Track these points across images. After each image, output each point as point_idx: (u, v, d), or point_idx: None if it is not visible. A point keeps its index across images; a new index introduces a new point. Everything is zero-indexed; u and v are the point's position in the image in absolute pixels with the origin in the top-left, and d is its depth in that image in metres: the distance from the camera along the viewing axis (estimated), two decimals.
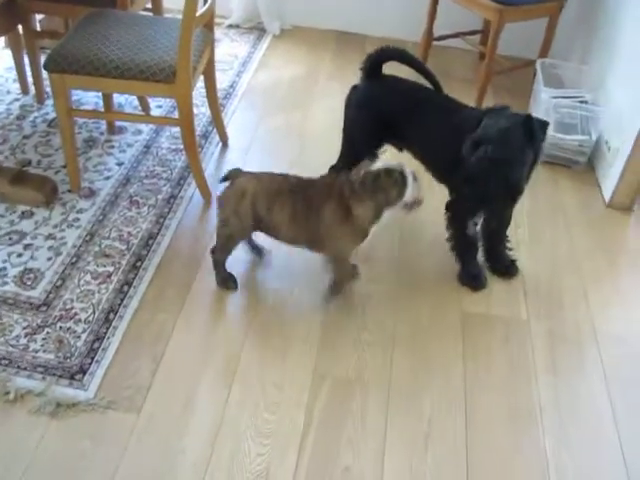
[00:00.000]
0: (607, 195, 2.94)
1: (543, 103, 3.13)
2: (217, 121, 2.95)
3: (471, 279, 2.39)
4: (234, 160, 2.91)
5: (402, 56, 2.36)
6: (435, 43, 3.73)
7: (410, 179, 1.99)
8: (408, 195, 2.00)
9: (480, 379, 2.08)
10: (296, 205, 2.08)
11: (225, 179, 2.16)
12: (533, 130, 2.04)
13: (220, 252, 2.24)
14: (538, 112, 3.13)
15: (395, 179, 1.99)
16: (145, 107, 3.14)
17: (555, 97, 3.15)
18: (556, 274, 2.50)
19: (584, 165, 3.11)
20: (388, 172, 1.99)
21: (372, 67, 2.37)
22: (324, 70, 3.71)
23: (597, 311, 2.36)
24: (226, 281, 2.30)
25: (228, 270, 2.30)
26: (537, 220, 2.76)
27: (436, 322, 2.26)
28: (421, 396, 2.01)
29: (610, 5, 3.30)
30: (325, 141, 3.06)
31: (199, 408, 1.92)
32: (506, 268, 2.47)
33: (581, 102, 3.20)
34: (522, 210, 2.73)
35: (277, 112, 3.31)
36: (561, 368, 2.15)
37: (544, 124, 2.10)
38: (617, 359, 2.20)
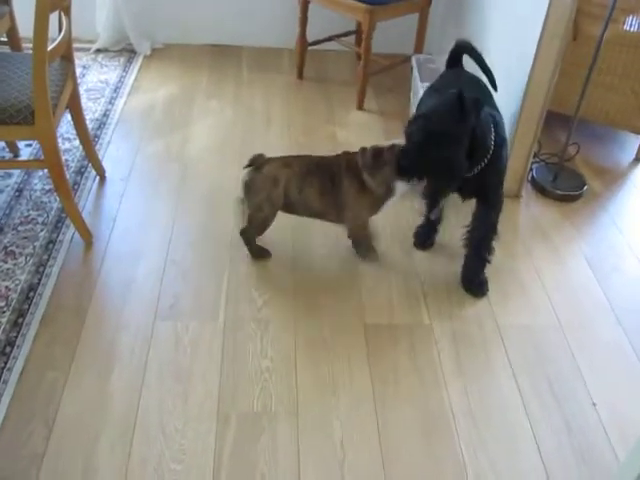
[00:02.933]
0: None
1: None
2: (90, 155, 2.80)
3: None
4: (113, 193, 2.77)
5: (470, 51, 2.42)
6: (311, 48, 3.70)
7: None
8: None
9: (389, 393, 2.04)
10: (323, 181, 2.30)
11: (250, 165, 2.32)
12: (464, 106, 1.98)
13: (256, 231, 2.42)
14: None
15: (397, 154, 2.15)
16: (13, 148, 2.95)
17: None
18: (453, 272, 2.50)
19: None
20: (390, 148, 2.19)
21: (452, 59, 2.48)
22: (201, 88, 3.61)
23: (498, 305, 2.38)
24: (261, 252, 2.49)
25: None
26: None
27: (338, 338, 2.21)
28: (331, 419, 1.95)
29: None
30: (208, 163, 2.97)
31: (100, 472, 1.78)
32: (474, 285, 2.42)
33: None
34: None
35: (155, 137, 3.18)
36: (469, 370, 2.13)
37: (475, 100, 2.01)
38: (522, 352, 2.21)
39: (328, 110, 3.48)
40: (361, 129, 3.34)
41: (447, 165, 2.02)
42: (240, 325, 2.22)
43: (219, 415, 1.93)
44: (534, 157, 3.03)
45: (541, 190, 3.04)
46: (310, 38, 3.65)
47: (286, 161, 2.33)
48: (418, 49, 3.60)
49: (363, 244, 2.49)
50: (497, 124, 2.16)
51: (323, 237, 2.60)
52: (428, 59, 3.50)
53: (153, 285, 2.34)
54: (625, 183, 3.19)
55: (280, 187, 2.28)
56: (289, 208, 2.37)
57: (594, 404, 2.06)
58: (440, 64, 3.50)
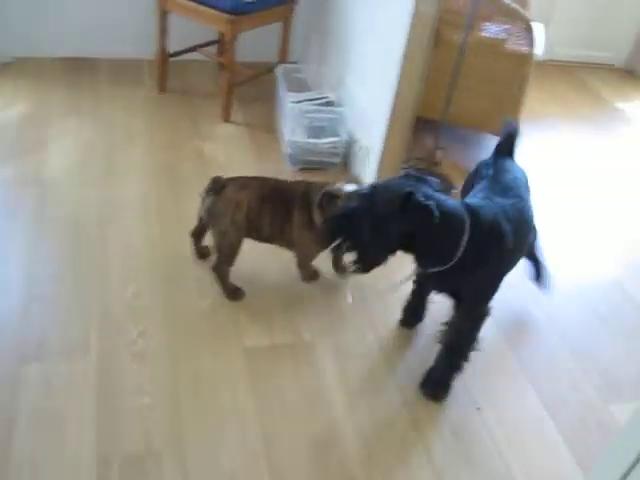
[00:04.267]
0: None
1: (288, 109, 3.11)
2: None
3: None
4: None
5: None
6: (173, 59, 3.57)
7: None
8: None
9: (276, 417, 1.98)
10: (276, 207, 2.25)
11: (209, 189, 2.24)
12: (406, 206, 1.75)
13: (225, 263, 2.32)
14: (285, 118, 3.10)
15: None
16: None
17: (299, 101, 3.14)
18: (328, 282, 2.48)
19: (340, 166, 3.14)
20: (347, 195, 2.12)
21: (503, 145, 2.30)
22: (57, 104, 3.38)
23: (377, 309, 2.38)
24: (236, 292, 2.37)
25: None
26: None
27: (220, 365, 2.12)
28: (219, 452, 1.86)
29: (340, 5, 3.34)
30: (68, 186, 2.79)
31: None
32: (431, 388, 2.15)
33: (327, 103, 3.22)
34: None
35: (8, 160, 2.94)
36: (354, 385, 2.12)
37: (424, 207, 1.75)
38: (405, 354, 2.22)
39: (193, 124, 3.37)
40: (229, 142, 3.26)
41: (361, 246, 1.86)
42: (114, 360, 2.08)
43: (98, 459, 1.80)
44: (404, 163, 3.07)
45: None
46: (171, 48, 3.53)
47: (245, 183, 2.27)
48: (282, 58, 3.57)
49: (305, 278, 2.47)
50: (496, 232, 1.89)
51: (195, 265, 2.51)
52: (293, 68, 3.49)
53: (16, 325, 2.15)
54: None
55: (243, 210, 2.22)
56: (251, 230, 2.29)
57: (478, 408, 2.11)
58: (306, 72, 3.50)
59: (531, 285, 2.59)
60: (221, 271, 2.34)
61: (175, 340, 2.19)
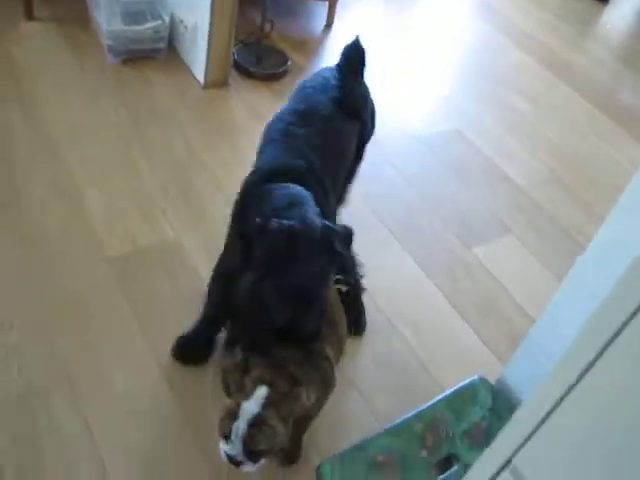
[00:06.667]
0: (200, 76, 2.83)
1: None
2: None
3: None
4: None
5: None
6: None
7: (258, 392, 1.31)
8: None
9: (158, 331, 1.89)
10: None
11: None
12: (333, 247, 1.40)
13: None
14: (98, 7, 2.81)
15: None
16: None
17: None
18: (185, 178, 2.36)
19: (167, 52, 2.92)
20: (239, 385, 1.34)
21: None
22: None
23: None
24: None
25: None
26: (143, 128, 2.54)
27: (84, 282, 1.98)
28: (108, 370, 1.77)
29: None
30: None
31: None
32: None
33: None
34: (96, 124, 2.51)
35: None
36: None
37: (347, 236, 1.49)
38: None
39: None
40: (39, 43, 2.89)
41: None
42: None
43: None
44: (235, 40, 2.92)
45: (247, 73, 2.96)
46: None
47: None
48: None
49: None
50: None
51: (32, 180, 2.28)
52: None
53: None
54: (323, 51, 3.24)
55: None
56: None
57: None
58: None
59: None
60: None
61: (31, 266, 2.00)
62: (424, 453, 1.47)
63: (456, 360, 2.01)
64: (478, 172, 2.76)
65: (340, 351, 1.54)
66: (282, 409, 1.27)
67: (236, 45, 2.99)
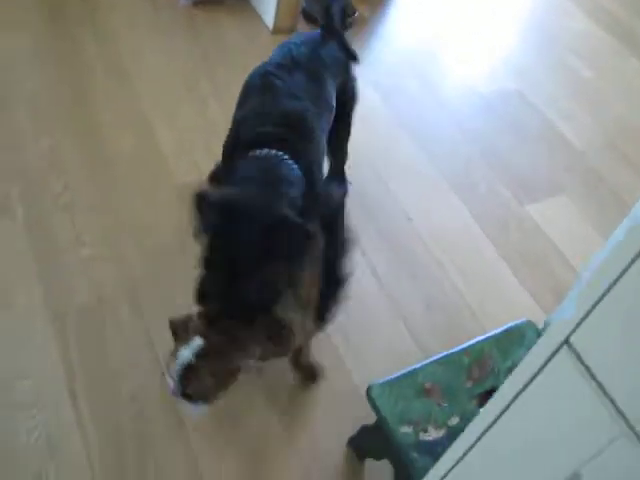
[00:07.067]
0: (269, 22, 2.88)
1: None
2: None
3: None
4: None
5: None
6: None
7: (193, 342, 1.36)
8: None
9: None
10: None
11: None
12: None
13: None
14: None
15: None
16: None
17: None
18: None
19: None
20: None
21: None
22: None
23: None
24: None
25: None
26: (213, 69, 2.62)
27: (155, 206, 2.09)
28: (172, 291, 1.87)
29: None
30: None
31: None
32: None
33: None
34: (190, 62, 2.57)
35: None
36: None
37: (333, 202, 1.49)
38: None
39: None
40: None
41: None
42: (43, 216, 2.00)
43: (53, 317, 1.78)
44: None
45: (315, 22, 2.99)
46: None
47: None
48: None
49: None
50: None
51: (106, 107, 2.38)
52: None
53: None
54: (389, 5, 3.25)
55: None
56: None
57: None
58: None
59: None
60: None
61: (102, 188, 2.12)
62: (469, 384, 1.54)
63: (503, 309, 2.07)
64: (536, 132, 2.77)
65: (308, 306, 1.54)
66: (212, 364, 1.34)
67: None
